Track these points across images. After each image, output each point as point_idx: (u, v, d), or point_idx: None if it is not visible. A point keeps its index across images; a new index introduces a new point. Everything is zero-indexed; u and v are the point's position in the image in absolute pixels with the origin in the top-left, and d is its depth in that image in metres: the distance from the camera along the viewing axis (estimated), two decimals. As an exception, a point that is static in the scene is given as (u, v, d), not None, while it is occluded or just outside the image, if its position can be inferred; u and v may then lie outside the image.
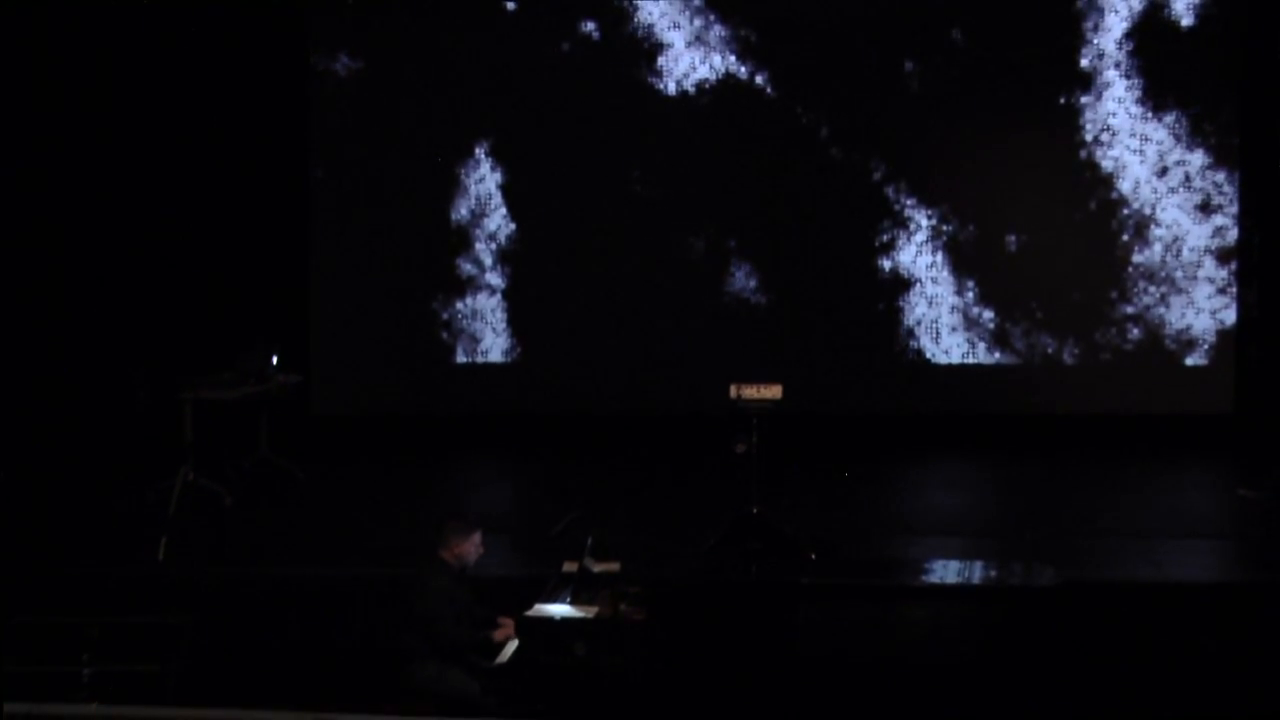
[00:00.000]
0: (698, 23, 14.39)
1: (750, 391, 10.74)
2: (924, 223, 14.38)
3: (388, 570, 10.48)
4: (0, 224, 13.87)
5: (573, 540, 9.98)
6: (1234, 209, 14.23)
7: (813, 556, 9.93)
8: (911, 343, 14.50)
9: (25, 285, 13.94)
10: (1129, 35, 14.20)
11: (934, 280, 14.43)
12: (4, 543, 10.83)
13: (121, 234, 14.14)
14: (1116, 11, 14.16)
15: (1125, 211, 14.30)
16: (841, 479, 10.76)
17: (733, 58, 14.39)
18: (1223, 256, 14.28)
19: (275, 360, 12.85)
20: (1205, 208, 14.25)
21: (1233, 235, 14.25)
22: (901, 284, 14.46)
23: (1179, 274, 14.32)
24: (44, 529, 11.51)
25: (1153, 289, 14.33)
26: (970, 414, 14.40)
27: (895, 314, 14.48)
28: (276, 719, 7.77)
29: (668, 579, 9.62)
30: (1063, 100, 14.27)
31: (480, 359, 14.67)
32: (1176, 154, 14.24)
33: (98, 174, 14.07)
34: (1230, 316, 14.30)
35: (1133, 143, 14.25)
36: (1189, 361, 14.36)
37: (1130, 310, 14.36)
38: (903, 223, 14.40)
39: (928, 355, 14.49)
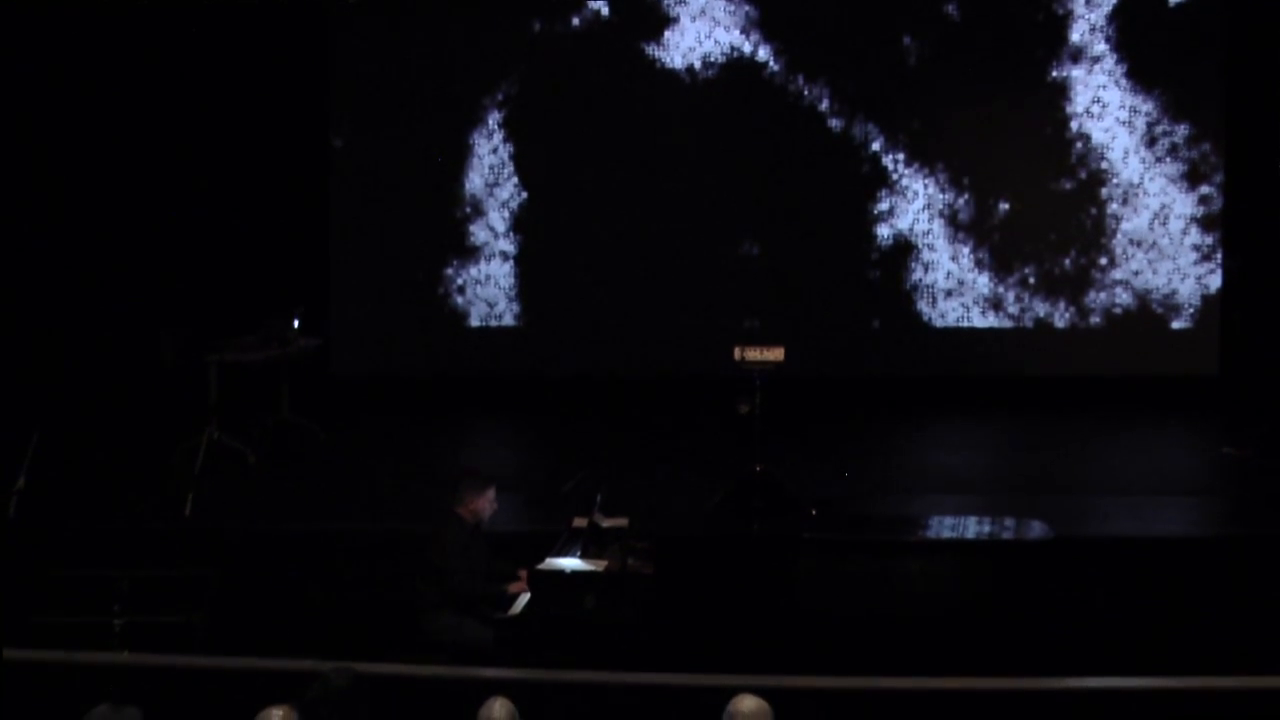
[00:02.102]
0: (703, -2, 14.39)
1: (754, 354, 10.75)
2: (921, 191, 14.37)
3: (405, 525, 10.53)
4: (35, 190, 13.89)
5: (583, 497, 10.01)
6: (1219, 178, 14.21)
7: (813, 512, 9.95)
8: (909, 307, 14.50)
9: (60, 251, 13.97)
10: (1120, 9, 14.15)
11: (930, 247, 14.42)
12: (39, 499, 10.88)
13: (152, 203, 14.14)
14: (1108, -14, 14.17)
15: (1115, 180, 14.28)
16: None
17: (737, 32, 14.36)
18: (1208, 224, 14.27)
19: (297, 324, 12.87)
20: (1192, 177, 14.24)
21: (1218, 203, 14.24)
22: (899, 250, 14.45)
23: (1166, 241, 14.31)
24: (77, 485, 11.56)
25: (1140, 255, 14.32)
26: (964, 376, 14.39)
27: (893, 279, 14.47)
28: (298, 667, 7.81)
29: (674, 534, 9.66)
30: (1055, 73, 14.24)
31: (494, 323, 14.69)
32: (1164, 125, 14.22)
33: (128, 145, 14.07)
34: (1215, 282, 14.30)
35: (1122, 114, 14.23)
36: (1175, 325, 14.36)
37: (1119, 276, 14.35)
38: (900, 191, 14.40)
39: (924, 319, 14.49)
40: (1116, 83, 14.21)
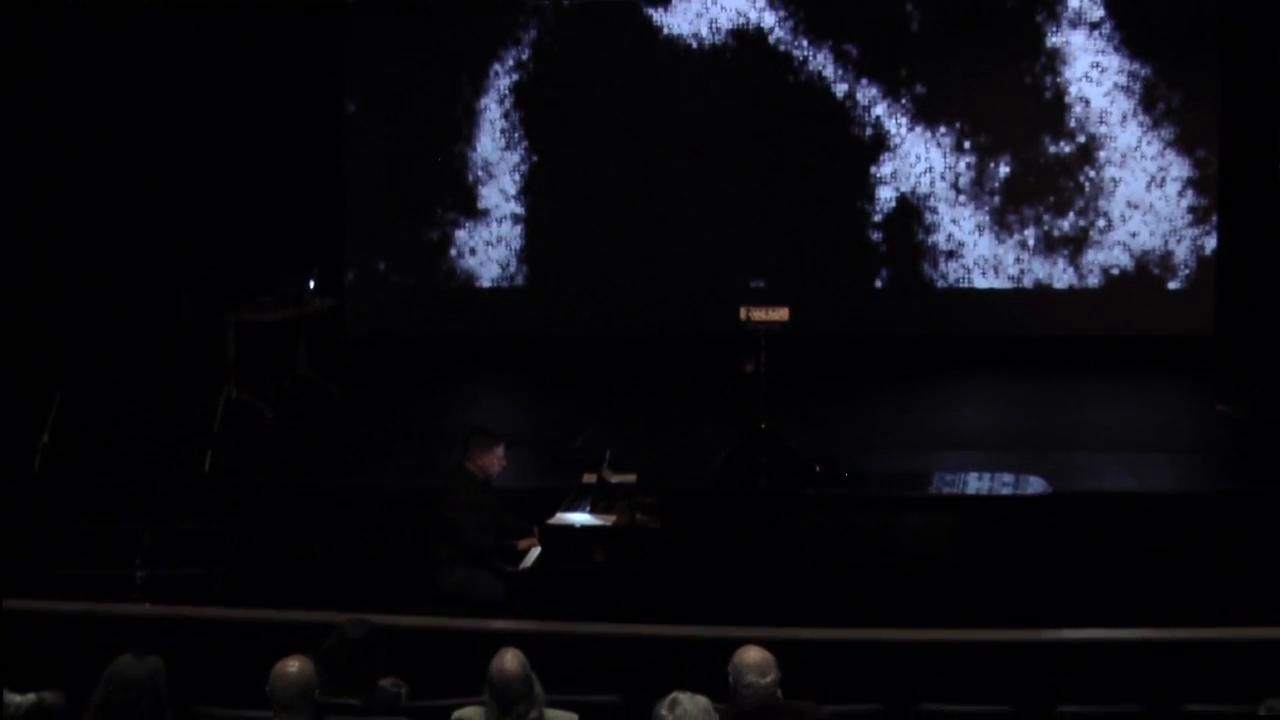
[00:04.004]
0: (710, -35, 14.34)
1: (759, 314, 10.73)
2: (923, 155, 14.34)
3: (417, 481, 10.55)
4: (59, 154, 13.88)
5: (592, 453, 10.03)
6: (1215, 141, 14.18)
7: (816, 468, 9.95)
8: (910, 268, 14.48)
9: (83, 213, 13.97)
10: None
11: (932, 209, 14.41)
12: (63, 454, 10.92)
13: (172, 167, 14.13)
14: (1106, -46, 14.11)
15: (1113, 144, 14.25)
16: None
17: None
18: (1203, 186, 14.25)
19: (312, 285, 12.88)
20: (1188, 140, 14.20)
21: (1213, 167, 14.21)
22: (901, 212, 14.43)
23: (1162, 203, 14.29)
24: (99, 442, 11.58)
25: (1138, 217, 14.30)
26: (965, 335, 14.39)
27: (895, 241, 14.46)
28: (315, 619, 7.84)
29: (681, 489, 9.67)
30: (1054, 38, 14.19)
31: (505, 284, 14.68)
32: (1161, 89, 14.18)
33: (150, 110, 14.05)
34: (1211, 243, 14.28)
35: (1120, 79, 14.19)
36: (1171, 286, 14.35)
37: (1116, 237, 14.34)
38: (903, 155, 14.37)
39: (926, 280, 14.48)
40: (1115, 48, 14.17)
